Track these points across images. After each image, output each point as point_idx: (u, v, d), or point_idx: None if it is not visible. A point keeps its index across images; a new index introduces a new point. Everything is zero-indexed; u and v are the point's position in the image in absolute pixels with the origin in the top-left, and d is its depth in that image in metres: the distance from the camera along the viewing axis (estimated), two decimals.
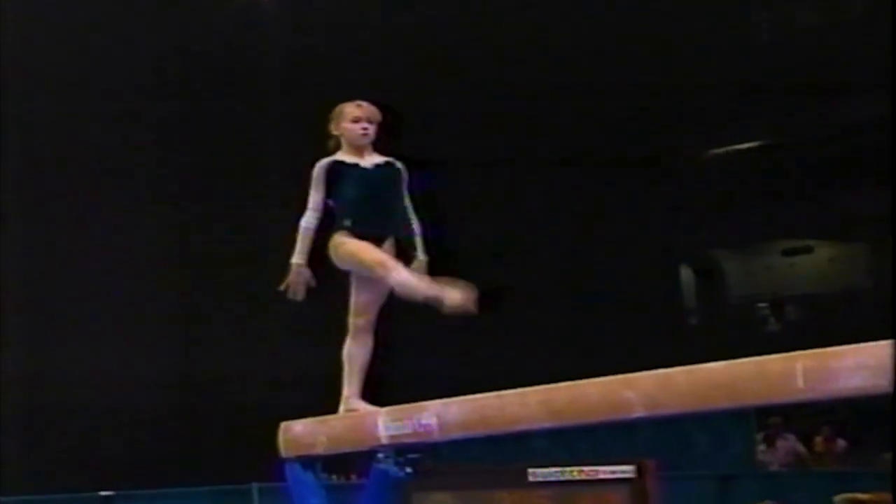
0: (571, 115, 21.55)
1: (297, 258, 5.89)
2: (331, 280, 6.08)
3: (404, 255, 5.97)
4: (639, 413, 4.49)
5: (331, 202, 5.93)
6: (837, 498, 10.20)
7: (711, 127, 25.45)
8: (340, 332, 6.08)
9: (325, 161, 5.98)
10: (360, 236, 5.83)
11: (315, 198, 5.92)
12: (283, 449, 5.93)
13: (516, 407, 4.86)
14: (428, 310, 5.62)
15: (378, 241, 5.87)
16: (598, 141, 22.47)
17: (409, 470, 5.33)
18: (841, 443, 19.37)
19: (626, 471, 10.23)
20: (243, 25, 19.99)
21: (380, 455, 5.38)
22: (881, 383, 3.99)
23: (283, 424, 5.98)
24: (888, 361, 3.97)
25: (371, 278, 5.83)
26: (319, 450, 5.75)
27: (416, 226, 6.05)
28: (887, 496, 10.35)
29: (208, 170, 19.89)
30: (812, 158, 24.57)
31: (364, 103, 6.07)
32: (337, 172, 5.93)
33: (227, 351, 19.41)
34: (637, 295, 23.10)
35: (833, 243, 27.50)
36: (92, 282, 18.68)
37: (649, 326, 22.56)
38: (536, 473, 9.96)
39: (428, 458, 5.51)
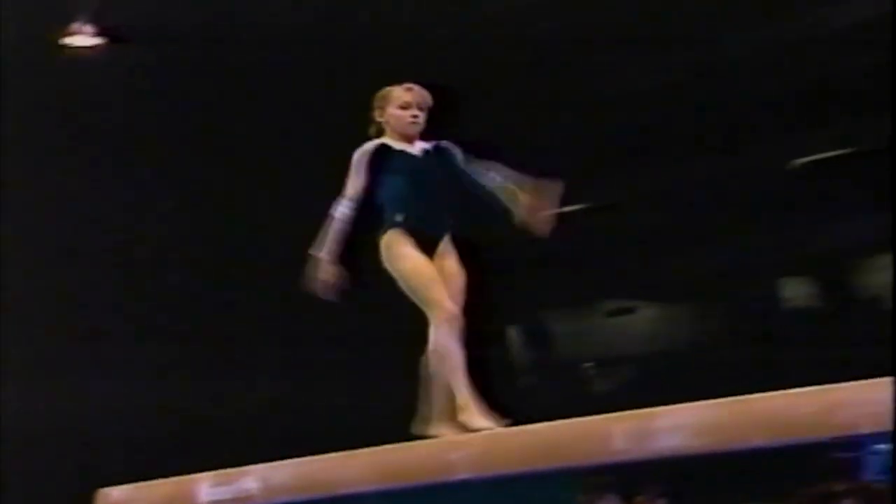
0: None
1: (326, 253, 5.29)
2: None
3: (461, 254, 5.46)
4: (465, 475, 4.54)
5: (380, 195, 5.35)
6: None
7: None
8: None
9: (369, 145, 5.36)
10: (415, 234, 5.29)
11: (354, 184, 5.29)
12: None
13: (342, 470, 4.86)
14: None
15: (435, 241, 5.37)
16: None
17: None
18: (661, 502, 19.73)
19: None
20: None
21: None
22: (699, 443, 4.11)
23: (101, 492, 5.87)
24: (707, 421, 4.10)
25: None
26: None
27: (494, 176, 5.45)
28: None
29: None
30: (635, 222, 25.14)
31: (415, 87, 5.43)
32: (382, 159, 5.33)
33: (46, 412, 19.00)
34: (467, 355, 23.25)
35: (656, 305, 28.11)
36: None
37: (478, 387, 22.69)
38: None
39: None
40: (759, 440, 3.96)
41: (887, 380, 3.70)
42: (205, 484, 5.38)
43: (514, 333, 30.04)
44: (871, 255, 29.21)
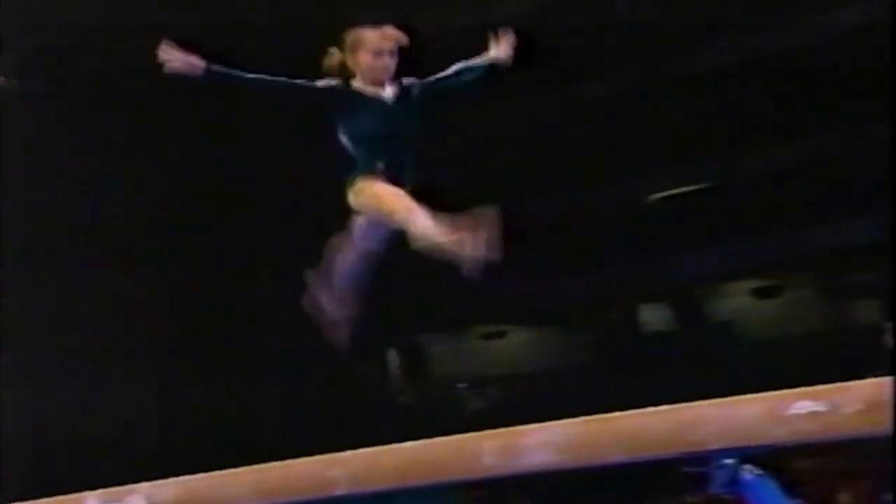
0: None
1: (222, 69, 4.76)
2: None
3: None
4: (344, 490, 4.54)
5: (345, 141, 4.90)
6: None
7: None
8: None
9: (335, 82, 4.84)
10: (389, 182, 4.90)
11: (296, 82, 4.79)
12: None
13: (227, 487, 4.82)
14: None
15: (407, 182, 5.00)
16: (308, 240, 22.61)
17: None
18: None
19: None
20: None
21: None
22: (562, 459, 4.17)
23: None
24: (570, 438, 4.16)
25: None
26: None
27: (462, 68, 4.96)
28: None
29: None
30: (511, 249, 25.46)
31: (389, 29, 4.87)
32: (350, 104, 4.82)
33: None
34: (346, 375, 23.19)
35: (527, 328, 28.34)
36: None
37: (359, 406, 22.65)
38: None
39: None
40: (617, 456, 4.02)
41: (734, 399, 3.80)
42: (93, 501, 5.28)
43: (392, 354, 30.10)
44: (719, 283, 29.84)
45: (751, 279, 29.38)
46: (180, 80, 4.78)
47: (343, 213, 5.26)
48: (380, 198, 4.87)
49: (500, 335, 28.68)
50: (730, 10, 24.07)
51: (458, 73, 4.96)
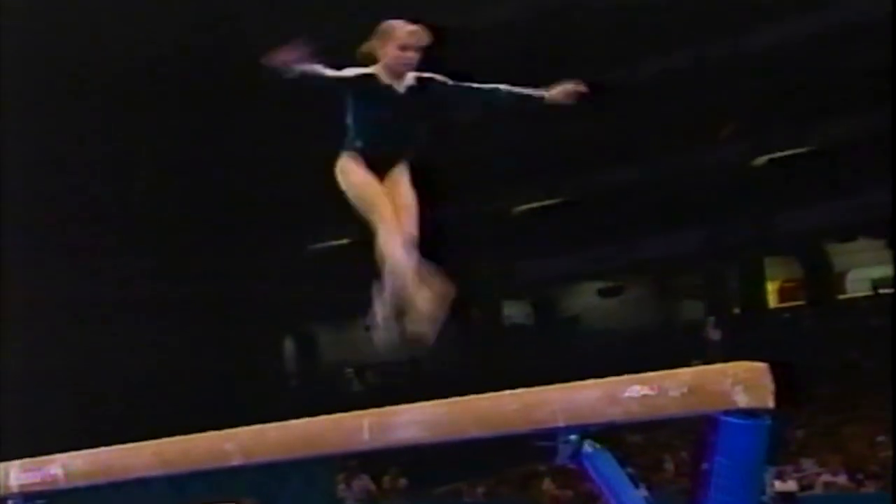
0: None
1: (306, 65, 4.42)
2: None
3: (417, 181, 4.67)
4: (237, 462, 4.45)
5: (349, 117, 4.59)
6: None
7: (313, 226, 25.84)
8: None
9: (359, 70, 4.54)
10: (371, 162, 4.56)
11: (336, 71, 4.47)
12: None
13: (133, 458, 4.70)
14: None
15: (390, 163, 4.60)
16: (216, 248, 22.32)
17: None
18: (403, 481, 19.81)
19: None
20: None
21: (10, 502, 5.06)
22: (429, 435, 4.15)
23: None
24: (435, 417, 4.14)
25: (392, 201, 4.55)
26: None
27: (519, 93, 4.66)
28: None
29: None
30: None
31: (418, 30, 4.59)
32: (366, 88, 4.54)
33: None
34: (246, 359, 22.92)
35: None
36: None
37: (257, 386, 22.39)
38: None
39: (58, 503, 5.22)
40: (476, 432, 4.01)
41: (577, 383, 3.81)
42: (14, 470, 5.11)
43: (287, 342, 29.85)
44: (569, 284, 30.19)
45: (596, 280, 29.84)
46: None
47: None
48: (360, 190, 4.57)
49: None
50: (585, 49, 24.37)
51: (495, 90, 4.70)
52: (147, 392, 20.31)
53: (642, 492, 3.79)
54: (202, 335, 22.36)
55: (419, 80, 4.61)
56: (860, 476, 17.35)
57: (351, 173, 4.58)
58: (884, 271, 26.23)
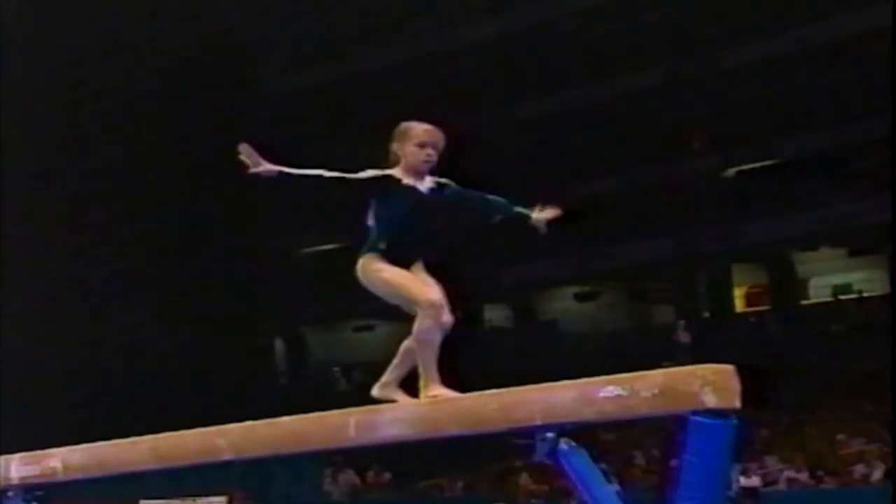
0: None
1: (285, 168, 4.44)
2: None
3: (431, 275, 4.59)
4: (228, 457, 4.43)
5: (371, 218, 4.50)
6: None
7: (301, 230, 25.79)
8: None
9: (378, 171, 4.49)
10: (392, 261, 4.47)
11: (345, 175, 4.41)
12: None
13: (128, 453, 4.68)
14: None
15: (407, 264, 4.52)
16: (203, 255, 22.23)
17: None
18: (387, 476, 19.78)
19: (218, 501, 10.02)
20: None
21: (10, 493, 5.02)
22: (412, 432, 4.14)
23: None
24: (418, 416, 4.13)
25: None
26: None
27: (518, 210, 4.71)
28: None
29: None
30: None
31: (433, 128, 4.59)
32: (388, 189, 4.47)
33: None
34: (237, 360, 22.85)
35: (391, 323, 28.32)
36: None
37: (249, 384, 22.31)
38: None
39: (56, 494, 5.19)
40: (457, 430, 4.01)
41: (553, 384, 3.81)
42: (15, 463, 5.07)
43: (278, 344, 29.77)
44: (547, 288, 30.21)
45: (573, 286, 29.86)
46: None
47: None
48: (400, 284, 4.48)
49: (369, 328, 28.58)
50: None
51: (490, 201, 4.71)
52: (143, 390, 20.22)
53: (614, 487, 3.79)
54: (197, 337, 22.28)
55: (438, 183, 4.56)
56: (820, 473, 17.41)
57: (380, 271, 4.48)
58: (844, 278, 26.41)
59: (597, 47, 24.32)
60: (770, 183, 24.98)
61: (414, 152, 4.50)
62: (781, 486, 17.26)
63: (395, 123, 4.58)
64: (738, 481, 13.48)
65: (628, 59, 24.53)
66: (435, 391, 4.30)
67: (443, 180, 4.57)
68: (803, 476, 17.50)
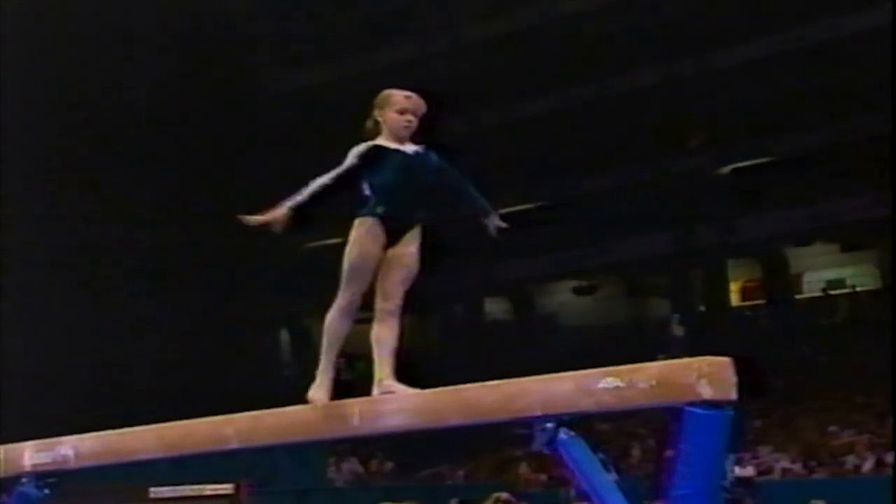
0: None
1: (290, 202, 4.48)
2: None
3: (428, 242, 4.58)
4: (235, 445, 4.44)
5: (366, 188, 4.52)
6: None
7: (308, 226, 25.70)
8: None
9: (362, 146, 4.54)
10: (389, 224, 4.47)
11: (340, 169, 4.47)
12: None
13: (138, 441, 4.69)
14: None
15: (405, 229, 4.52)
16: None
17: (46, 491, 5.01)
18: (389, 465, 19.78)
19: (226, 489, 10.04)
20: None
21: (23, 479, 5.03)
22: (414, 422, 4.14)
23: None
24: (420, 406, 4.13)
25: (396, 264, 4.51)
26: None
27: (482, 203, 4.71)
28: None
29: None
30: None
31: (413, 95, 4.62)
32: (376, 157, 4.52)
33: None
34: (245, 350, 22.86)
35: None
36: None
37: (255, 375, 22.32)
38: (155, 491, 9.64)
39: (67, 481, 5.20)
40: (458, 420, 4.01)
41: (553, 375, 3.81)
42: (28, 450, 5.08)
43: (282, 334, 29.75)
44: (547, 282, 30.22)
45: (571, 280, 29.85)
46: None
47: None
48: (354, 270, 4.59)
49: (370, 320, 28.54)
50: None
51: (463, 184, 4.70)
52: (151, 380, 20.23)
53: (612, 476, 3.80)
54: (204, 328, 22.29)
55: (422, 148, 4.58)
56: (813, 463, 17.41)
57: (357, 243, 4.52)
58: (836, 273, 26.41)
59: (593, 47, 24.31)
60: (765, 180, 24.98)
61: (395, 118, 4.54)
62: (776, 475, 17.26)
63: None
64: (733, 471, 13.48)
65: (625, 58, 24.52)
66: (317, 394, 4.40)
67: (422, 147, 4.57)
68: (797, 466, 17.51)
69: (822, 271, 26.91)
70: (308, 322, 30.04)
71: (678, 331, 19.29)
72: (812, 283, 27.11)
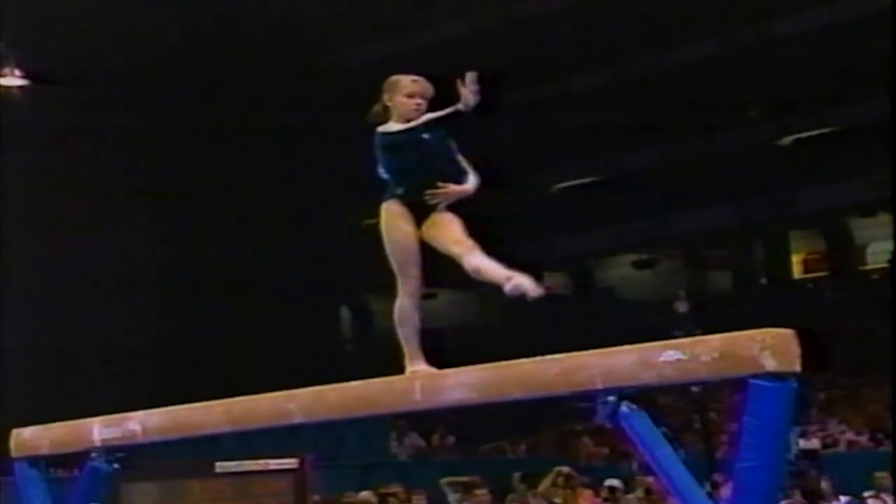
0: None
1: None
2: None
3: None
4: (298, 420, 4.47)
5: (383, 172, 4.57)
6: (443, 481, 10.29)
7: (365, 201, 25.79)
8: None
9: (380, 130, 4.58)
10: (411, 205, 4.52)
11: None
12: (14, 451, 5.55)
13: (203, 416, 4.74)
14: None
15: (430, 208, 4.56)
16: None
17: (116, 466, 5.10)
18: (451, 439, 19.86)
19: (290, 463, 10.16)
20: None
21: (93, 454, 5.12)
22: (476, 396, 4.14)
23: (14, 431, 5.59)
24: (481, 380, 4.13)
25: (440, 226, 4.55)
26: (44, 451, 5.41)
27: (472, 177, 4.64)
28: (478, 479, 10.47)
29: None
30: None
31: (420, 79, 4.65)
32: (391, 142, 4.55)
33: None
34: (307, 327, 23.05)
35: (453, 291, 28.32)
36: None
37: (317, 351, 22.50)
38: (221, 466, 9.78)
39: (135, 455, 5.28)
40: (519, 394, 4.00)
41: (614, 349, 3.78)
42: (97, 426, 5.17)
43: (344, 311, 29.97)
44: (606, 256, 30.07)
45: (630, 253, 29.65)
46: None
47: None
48: (402, 256, 4.66)
49: (432, 296, 28.66)
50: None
51: (465, 171, 4.64)
52: (219, 357, 20.49)
53: (674, 449, 3.77)
54: (268, 307, 22.49)
55: (430, 121, 4.56)
56: (880, 435, 17.15)
57: (393, 229, 4.58)
58: None
59: (651, 18, 24.00)
60: (826, 150, 24.53)
61: (404, 102, 4.58)
62: (842, 447, 17.04)
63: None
64: (797, 444, 13.32)
65: (682, 29, 24.17)
66: (415, 367, 4.48)
67: (432, 116, 4.54)
68: (863, 439, 17.26)
69: (886, 242, 26.41)
70: (368, 298, 30.25)
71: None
72: (876, 255, 26.62)
